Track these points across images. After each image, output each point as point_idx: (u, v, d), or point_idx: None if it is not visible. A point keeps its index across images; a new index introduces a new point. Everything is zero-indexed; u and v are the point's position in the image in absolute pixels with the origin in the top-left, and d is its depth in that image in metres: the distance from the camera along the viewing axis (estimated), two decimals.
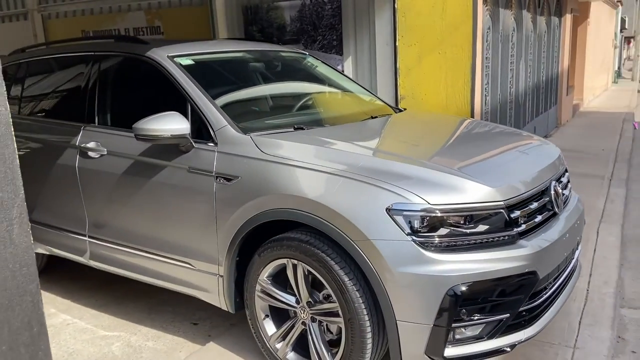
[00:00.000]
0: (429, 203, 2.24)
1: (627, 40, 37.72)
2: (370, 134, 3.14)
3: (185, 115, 2.84)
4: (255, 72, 3.57)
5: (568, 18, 10.51)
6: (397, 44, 5.03)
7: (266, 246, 2.61)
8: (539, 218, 2.51)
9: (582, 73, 13.20)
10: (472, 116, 4.98)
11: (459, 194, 2.29)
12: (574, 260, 2.86)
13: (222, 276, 2.80)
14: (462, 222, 2.27)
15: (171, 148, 2.86)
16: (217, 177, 2.72)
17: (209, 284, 2.87)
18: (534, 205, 2.51)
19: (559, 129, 10.36)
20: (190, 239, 2.89)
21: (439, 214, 2.24)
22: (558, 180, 2.81)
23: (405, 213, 2.24)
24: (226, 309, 2.87)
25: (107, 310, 3.62)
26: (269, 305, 2.73)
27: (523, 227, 2.38)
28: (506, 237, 2.32)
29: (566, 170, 3.05)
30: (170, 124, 2.74)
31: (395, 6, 4.99)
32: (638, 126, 11.09)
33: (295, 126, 2.91)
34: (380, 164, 2.45)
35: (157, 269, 3.09)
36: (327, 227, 2.36)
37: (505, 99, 6.62)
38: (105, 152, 3.18)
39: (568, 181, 3.03)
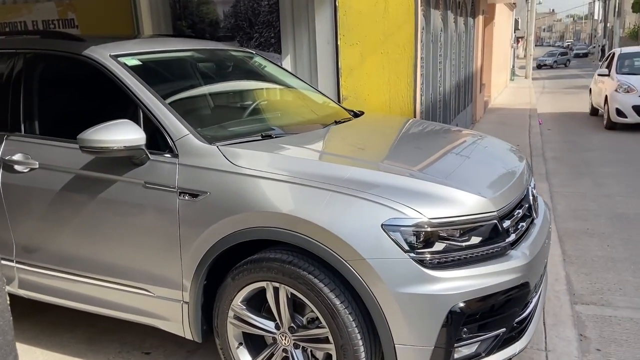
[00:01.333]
0: (426, 217, 2.11)
1: (517, 39, 40.44)
2: (343, 142, 2.95)
3: (137, 123, 2.51)
4: (207, 74, 3.27)
5: (480, 19, 10.94)
6: (338, 42, 4.88)
7: (241, 268, 2.36)
8: (523, 226, 2.47)
9: (490, 71, 13.87)
10: (415, 117, 4.96)
11: (455, 206, 2.18)
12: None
13: (187, 302, 2.51)
14: (457, 235, 2.16)
15: (121, 161, 2.52)
16: (180, 192, 2.42)
17: (171, 312, 2.57)
18: (519, 212, 2.46)
19: (474, 125, 10.78)
20: (147, 262, 2.56)
21: (437, 229, 2.12)
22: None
23: (402, 229, 2.09)
24: (191, 338, 2.58)
25: (39, 343, 3.17)
26: (243, 333, 2.48)
27: (513, 236, 2.32)
28: (499, 249, 2.24)
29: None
30: (123, 134, 2.40)
31: (336, 4, 4.84)
32: (542, 122, 11.82)
33: (263, 134, 2.67)
34: (369, 176, 2.28)
35: (105, 297, 2.72)
36: (315, 246, 2.16)
37: (435, 99, 6.71)
38: (37, 166, 2.75)
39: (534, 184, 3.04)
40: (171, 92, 2.81)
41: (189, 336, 2.57)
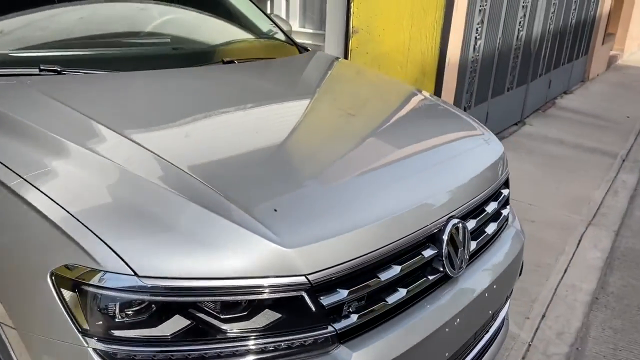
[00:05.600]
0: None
1: None
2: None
3: None
4: None
5: None
6: None
7: None
8: None
9: (629, 19, 11.34)
10: (441, 68, 3.71)
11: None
12: None
13: None
14: None
15: None
16: None
17: None
18: None
19: (584, 84, 8.84)
20: None
21: None
22: None
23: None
24: None
25: None
26: None
27: None
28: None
29: None
30: None
31: None
32: None
33: (42, 67, 1.60)
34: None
35: None
36: None
37: (508, 45, 5.23)
38: None
39: None
40: None
41: None
